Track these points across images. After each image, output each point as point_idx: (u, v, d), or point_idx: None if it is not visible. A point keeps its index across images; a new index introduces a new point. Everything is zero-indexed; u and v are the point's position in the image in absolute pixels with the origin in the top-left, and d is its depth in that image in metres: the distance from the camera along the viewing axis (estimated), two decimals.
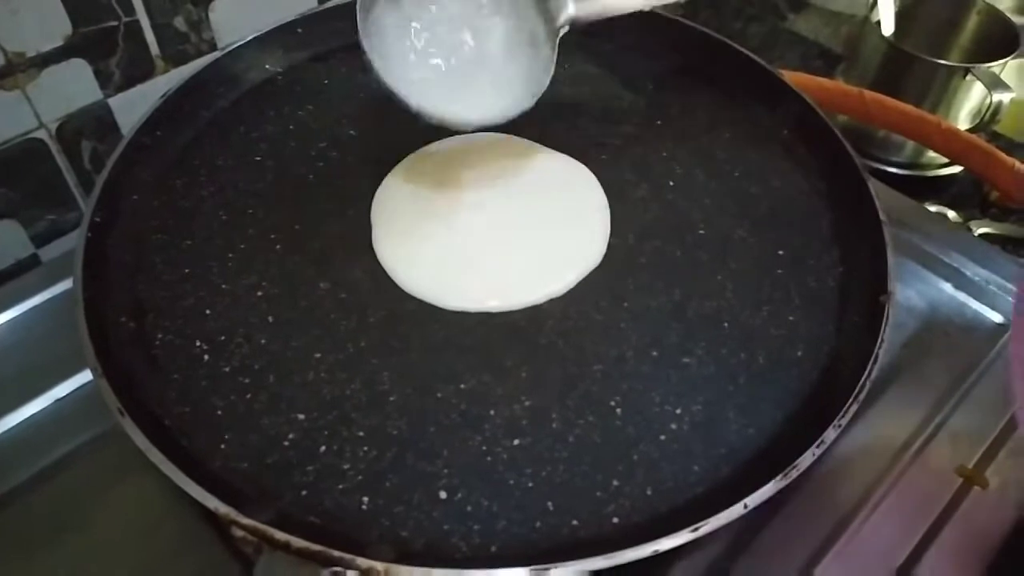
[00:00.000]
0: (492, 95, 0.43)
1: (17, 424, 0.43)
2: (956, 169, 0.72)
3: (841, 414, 0.35)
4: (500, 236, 0.45)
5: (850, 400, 0.36)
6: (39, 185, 0.56)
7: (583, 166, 0.48)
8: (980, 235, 0.62)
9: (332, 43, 0.55)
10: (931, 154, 0.71)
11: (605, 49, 0.55)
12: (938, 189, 0.71)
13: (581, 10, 0.43)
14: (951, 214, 0.65)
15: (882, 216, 0.43)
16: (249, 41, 0.52)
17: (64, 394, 0.44)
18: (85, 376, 0.44)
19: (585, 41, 0.55)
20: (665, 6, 0.48)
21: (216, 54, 0.52)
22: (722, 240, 0.45)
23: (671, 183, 0.48)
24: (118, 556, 0.40)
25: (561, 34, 0.43)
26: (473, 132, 0.43)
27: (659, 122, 0.51)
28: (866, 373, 0.37)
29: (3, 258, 0.57)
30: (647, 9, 0.45)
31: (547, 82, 0.43)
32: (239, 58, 0.52)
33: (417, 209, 0.46)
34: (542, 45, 0.43)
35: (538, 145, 0.49)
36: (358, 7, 0.40)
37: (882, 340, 0.38)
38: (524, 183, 0.47)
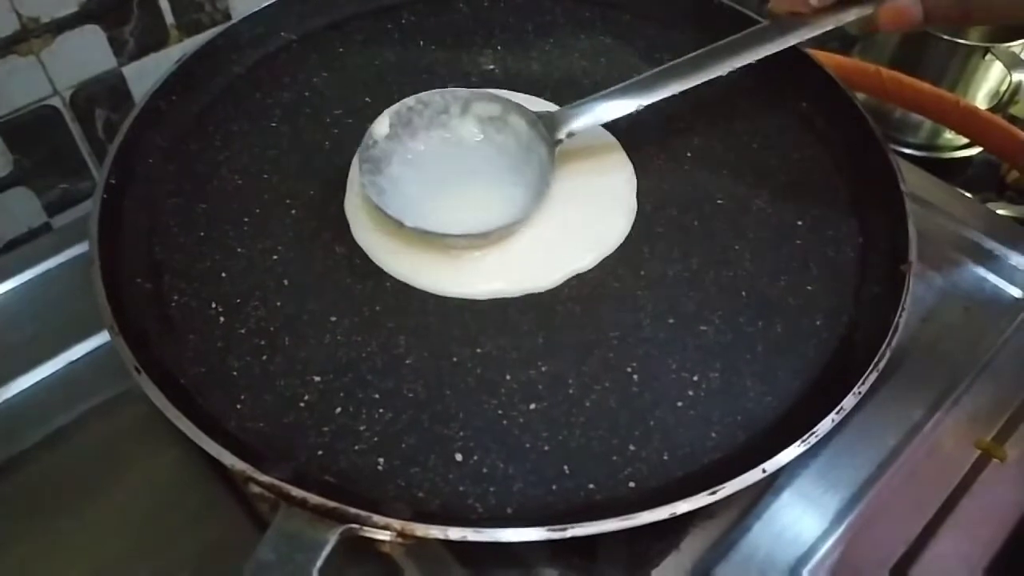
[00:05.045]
0: (496, 207, 0.43)
1: (31, 386, 0.43)
2: (972, 151, 0.71)
3: (861, 381, 0.35)
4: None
5: (870, 368, 0.36)
6: (52, 153, 0.56)
7: (610, 135, 0.47)
8: None
9: (347, 11, 0.54)
10: (947, 136, 0.71)
11: (622, 20, 0.55)
12: (954, 171, 0.70)
13: (578, 124, 0.43)
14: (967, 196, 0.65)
15: (903, 186, 0.43)
16: (265, 8, 0.52)
17: (78, 356, 0.44)
18: (99, 339, 0.45)
19: (602, 12, 0.55)
20: None
21: (231, 22, 0.52)
22: (740, 210, 0.45)
23: (688, 154, 0.47)
24: (131, 518, 0.40)
25: (559, 147, 0.43)
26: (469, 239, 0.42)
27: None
28: (886, 341, 0.37)
29: (16, 226, 0.57)
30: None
31: (549, 187, 0.42)
32: (255, 24, 0.51)
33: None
34: (542, 157, 0.44)
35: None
36: (361, 154, 0.42)
37: (903, 308, 0.38)
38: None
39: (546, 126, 0.44)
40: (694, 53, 0.45)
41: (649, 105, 0.44)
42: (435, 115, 0.45)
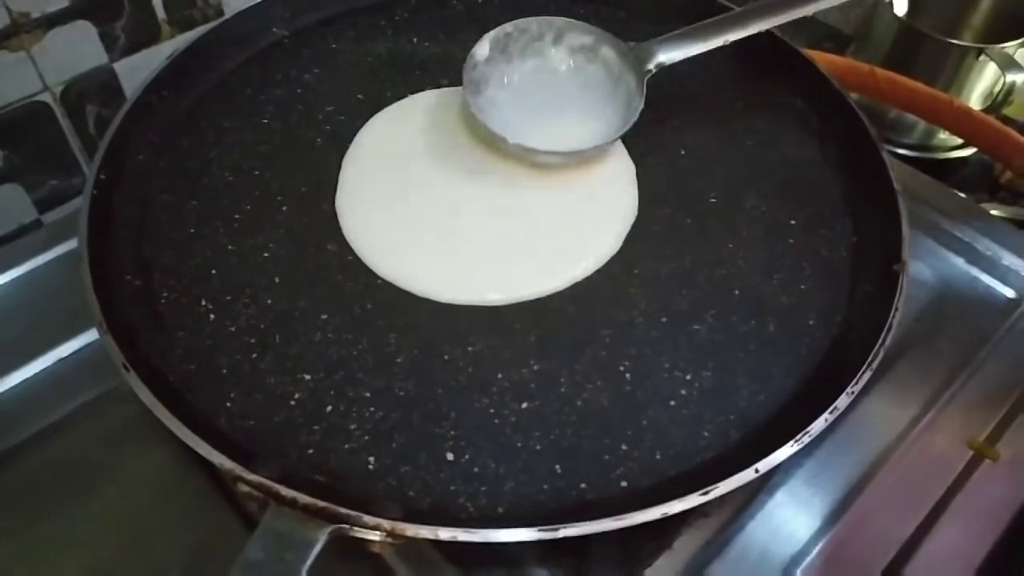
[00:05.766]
0: (587, 133, 0.45)
1: (19, 383, 0.43)
2: (966, 152, 0.71)
3: (854, 381, 0.35)
4: (507, 222, 0.43)
5: (863, 367, 0.36)
6: (42, 149, 0.56)
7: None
8: None
9: (339, 7, 0.54)
10: (941, 136, 0.71)
11: (617, 17, 0.55)
12: (948, 171, 0.70)
13: (667, 56, 0.46)
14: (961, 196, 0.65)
15: (896, 185, 0.43)
16: (257, 4, 0.51)
17: (67, 354, 0.44)
18: (88, 336, 0.44)
19: (596, 9, 0.55)
20: None
21: (223, 18, 0.51)
22: (734, 208, 0.44)
23: (682, 152, 0.47)
24: (120, 516, 0.40)
25: (648, 76, 0.46)
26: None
27: (671, 91, 0.50)
28: (880, 341, 0.36)
29: (6, 222, 0.57)
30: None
31: (636, 114, 0.45)
32: (247, 20, 0.51)
33: (400, 187, 0.44)
34: (630, 87, 0.46)
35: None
36: (465, 75, 0.45)
37: (896, 308, 0.38)
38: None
39: (637, 57, 0.46)
40: None
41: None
42: (530, 42, 0.47)
